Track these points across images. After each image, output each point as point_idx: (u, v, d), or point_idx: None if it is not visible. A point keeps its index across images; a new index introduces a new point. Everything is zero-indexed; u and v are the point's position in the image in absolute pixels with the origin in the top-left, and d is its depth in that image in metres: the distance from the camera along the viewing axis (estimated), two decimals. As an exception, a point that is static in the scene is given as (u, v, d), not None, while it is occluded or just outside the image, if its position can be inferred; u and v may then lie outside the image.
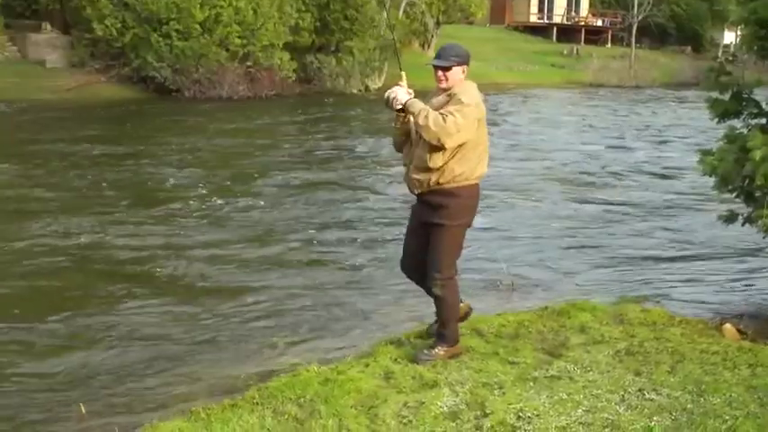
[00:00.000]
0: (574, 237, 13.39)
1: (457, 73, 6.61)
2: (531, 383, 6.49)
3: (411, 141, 6.74)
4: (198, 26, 36.29)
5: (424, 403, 6.10)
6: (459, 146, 6.41)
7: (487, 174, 6.81)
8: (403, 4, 51.63)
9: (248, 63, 38.72)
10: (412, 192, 6.80)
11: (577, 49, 65.94)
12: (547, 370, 6.74)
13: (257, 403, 6.20)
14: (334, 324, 8.91)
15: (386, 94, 6.72)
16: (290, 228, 13.69)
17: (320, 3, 43.00)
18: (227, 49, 37.63)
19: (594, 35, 74.55)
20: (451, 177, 6.52)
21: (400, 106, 6.59)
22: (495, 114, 34.11)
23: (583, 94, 48.03)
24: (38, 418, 6.89)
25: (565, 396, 6.27)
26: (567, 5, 76.27)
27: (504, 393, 6.30)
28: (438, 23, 57.26)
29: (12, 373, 7.81)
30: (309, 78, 41.16)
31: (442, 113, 6.32)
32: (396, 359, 6.85)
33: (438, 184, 6.55)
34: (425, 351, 6.91)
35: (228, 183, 17.58)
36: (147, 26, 36.15)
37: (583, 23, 75.58)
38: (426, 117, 6.33)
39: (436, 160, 6.45)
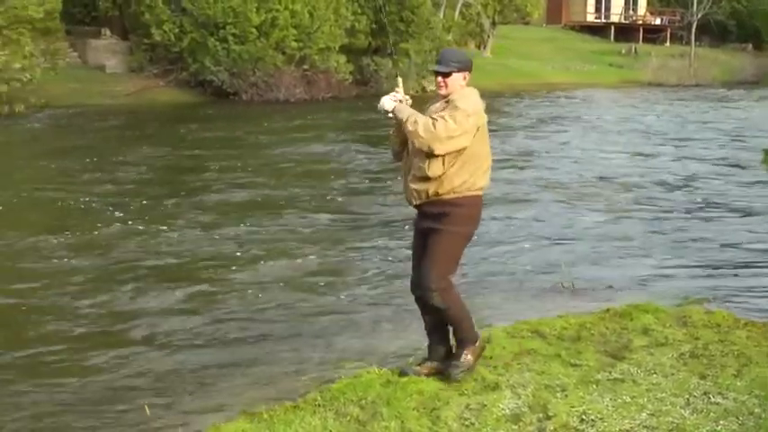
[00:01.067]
0: (635, 238, 13.25)
1: (457, 79, 6.33)
2: (594, 386, 6.40)
3: (408, 150, 6.40)
4: (254, 30, 36.51)
5: (485, 405, 6.05)
6: (458, 154, 6.12)
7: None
8: (459, 5, 51.60)
9: (305, 66, 38.88)
10: (410, 203, 6.44)
11: (635, 48, 65.37)
12: (610, 372, 6.65)
13: (319, 405, 6.19)
14: (395, 325, 8.89)
15: (379, 103, 6.42)
16: (354, 231, 13.71)
17: (376, 5, 43.04)
18: (284, 53, 37.82)
19: (653, 34, 73.83)
20: (450, 188, 6.19)
21: (390, 115, 6.32)
22: (553, 115, 33.95)
23: (641, 94, 47.46)
24: (104, 417, 6.96)
25: (628, 399, 6.18)
26: (625, 4, 75.67)
27: (566, 396, 6.23)
28: (494, 24, 57.16)
29: (80, 370, 7.94)
30: (366, 80, 41.23)
31: (432, 118, 6.08)
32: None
33: (437, 194, 6.23)
34: (454, 363, 6.51)
35: (302, 187, 17.64)
36: (204, 31, 36.45)
37: (641, 22, 74.92)
38: (415, 122, 6.09)
39: (435, 169, 6.14)
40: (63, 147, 23.45)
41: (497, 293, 10.24)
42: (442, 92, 6.34)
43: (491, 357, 6.95)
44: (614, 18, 74.69)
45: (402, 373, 6.62)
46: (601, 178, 18.92)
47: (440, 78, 6.33)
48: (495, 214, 14.72)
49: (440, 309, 6.36)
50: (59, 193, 16.46)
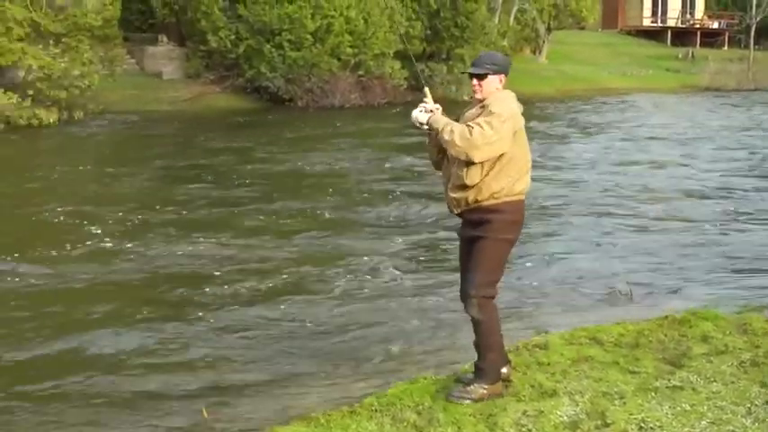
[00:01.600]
0: (693, 245, 13.12)
1: (492, 82, 6.21)
2: (653, 394, 6.34)
3: (448, 158, 6.29)
4: (310, 36, 36.62)
5: (543, 412, 6.02)
6: (496, 160, 6.02)
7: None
8: (514, 11, 51.41)
9: (360, 72, 38.96)
10: (452, 211, 6.36)
11: (693, 53, 64.64)
12: (669, 380, 6.58)
13: (376, 410, 6.19)
14: (450, 332, 8.88)
15: (412, 115, 6.32)
16: (405, 237, 13.72)
17: (430, 11, 43.04)
18: (339, 59, 37.92)
19: (710, 38, 72.98)
20: (490, 194, 6.09)
21: (426, 127, 6.23)
22: (609, 120, 33.74)
23: (699, 99, 46.92)
24: (162, 419, 7.05)
25: (688, 407, 6.12)
26: (682, 8, 74.85)
27: (624, 403, 6.18)
28: (549, 29, 56.87)
29: (142, 370, 8.06)
30: (420, 86, 41.06)
31: (468, 125, 5.96)
32: (514, 367, 6.75)
33: (476, 201, 6.13)
34: (460, 388, 6.35)
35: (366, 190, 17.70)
36: (260, 37, 36.64)
37: (698, 26, 74.10)
38: (451, 131, 5.98)
39: (473, 177, 6.05)
40: (114, 154, 23.77)
41: (554, 300, 10.20)
42: (478, 95, 6.25)
43: (548, 364, 6.92)
44: (671, 22, 73.93)
45: (458, 380, 6.59)
46: (657, 186, 18.72)
47: (474, 81, 6.24)
48: (550, 221, 14.67)
49: (474, 319, 6.26)
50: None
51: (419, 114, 6.25)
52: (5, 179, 18.96)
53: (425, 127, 6.24)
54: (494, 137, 5.91)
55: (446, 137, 6.01)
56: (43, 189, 17.78)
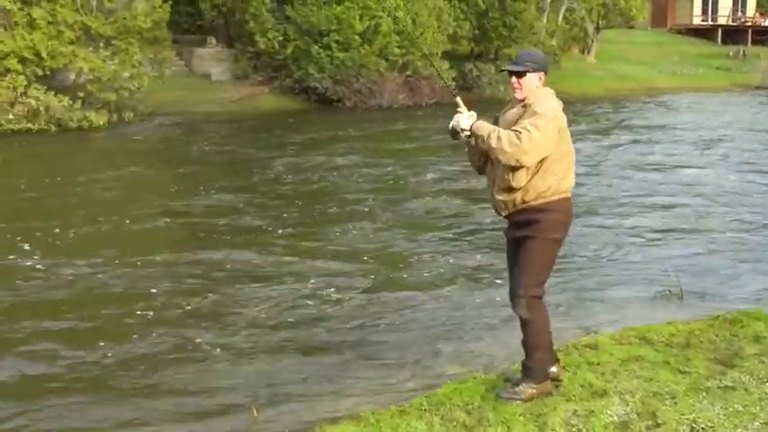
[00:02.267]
0: (745, 244, 12.99)
1: (532, 80, 6.15)
2: (704, 394, 6.27)
3: (491, 161, 6.25)
4: (357, 37, 36.67)
5: (593, 412, 5.98)
6: (543, 160, 5.97)
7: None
8: (562, 10, 51.14)
9: (407, 72, 38.93)
10: (499, 213, 6.33)
11: (744, 51, 63.85)
12: (720, 380, 6.51)
13: (425, 410, 6.19)
14: (499, 332, 8.84)
15: (450, 125, 6.25)
16: (456, 237, 13.69)
17: (479, 11, 42.95)
18: (387, 59, 37.92)
19: (762, 35, 72.07)
20: (537, 194, 6.05)
21: (468, 134, 6.14)
22: (661, 120, 33.48)
23: (751, 98, 46.33)
24: (213, 417, 7.07)
25: (740, 408, 6.04)
26: (733, 6, 74.10)
27: (675, 404, 6.12)
28: (598, 29, 56.52)
29: (194, 368, 8.14)
30: (469, 86, 41.05)
31: (515, 130, 5.88)
32: (564, 367, 6.70)
33: (524, 202, 6.10)
34: (509, 389, 6.36)
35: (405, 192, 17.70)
36: (308, 38, 36.75)
37: (750, 24, 73.27)
38: (499, 139, 5.90)
39: (519, 179, 6.02)
40: (158, 155, 23.94)
41: (604, 300, 10.12)
42: (518, 95, 6.19)
43: (598, 363, 6.88)
44: (722, 20, 73.19)
45: (507, 379, 6.56)
46: (708, 187, 18.50)
47: (514, 79, 6.18)
48: (599, 221, 14.57)
49: (522, 319, 6.23)
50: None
51: (462, 120, 6.17)
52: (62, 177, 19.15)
53: (466, 134, 6.17)
54: (542, 139, 5.87)
55: (494, 144, 5.93)
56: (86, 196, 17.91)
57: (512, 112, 6.21)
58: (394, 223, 14.62)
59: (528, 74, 6.14)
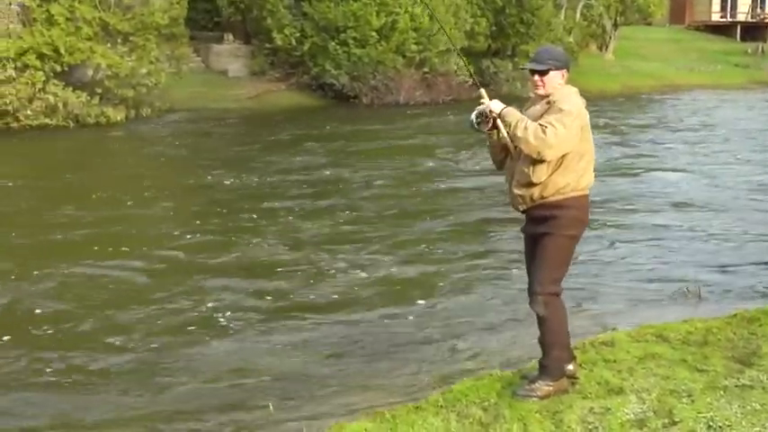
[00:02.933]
0: (764, 242, 12.91)
1: (555, 78, 6.11)
2: (722, 392, 6.23)
3: (511, 155, 6.23)
4: (375, 33, 36.67)
5: (609, 410, 5.95)
6: (562, 156, 5.94)
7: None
8: (580, 7, 51.02)
9: (424, 69, 38.91)
10: (516, 209, 6.30)
11: (762, 48, 63.50)
12: (738, 379, 6.46)
13: (441, 406, 6.18)
14: (516, 328, 8.84)
15: (473, 115, 6.18)
16: (471, 234, 13.69)
17: (496, 7, 42.87)
18: (404, 56, 37.91)
19: (781, 32, 71.79)
20: (556, 190, 6.03)
21: (489, 125, 6.11)
22: (680, 117, 33.39)
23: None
24: (230, 414, 7.12)
25: (758, 407, 6.00)
26: (752, 2, 73.69)
27: (692, 402, 6.08)
28: (616, 25, 56.34)
29: (208, 367, 8.16)
30: (486, 83, 40.90)
31: (541, 124, 5.86)
32: (581, 364, 6.68)
33: (542, 197, 6.07)
34: (525, 386, 6.33)
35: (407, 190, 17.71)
36: (325, 35, 36.77)
37: (768, 20, 72.95)
38: (526, 129, 5.88)
39: (539, 174, 5.99)
40: (172, 152, 24.03)
41: (621, 298, 10.12)
42: (540, 91, 6.15)
43: (615, 361, 6.86)
44: (740, 17, 72.86)
45: (524, 377, 6.55)
46: (734, 182, 18.43)
47: (536, 77, 6.13)
48: (617, 218, 14.54)
49: (539, 316, 6.20)
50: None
51: (493, 104, 6.11)
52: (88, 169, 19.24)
53: (489, 126, 6.12)
54: (566, 135, 5.86)
55: (519, 133, 5.92)
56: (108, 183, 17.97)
57: (535, 109, 6.17)
58: (408, 216, 14.64)
59: (551, 72, 6.10)
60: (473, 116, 6.22)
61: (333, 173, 19.69)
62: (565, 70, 6.18)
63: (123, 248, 12.56)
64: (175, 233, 13.63)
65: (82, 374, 8.09)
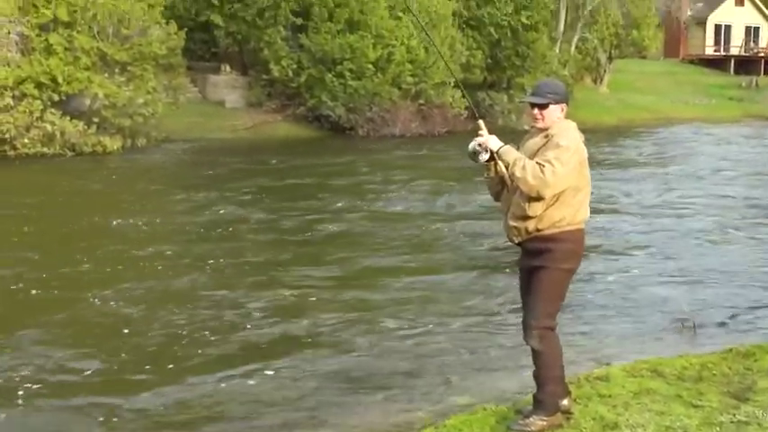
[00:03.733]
0: (759, 278, 12.95)
1: (554, 111, 6.13)
2: (717, 428, 6.26)
3: (507, 188, 6.24)
4: (371, 66, 36.86)
5: (604, 446, 5.98)
6: (560, 191, 5.99)
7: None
8: (575, 40, 51.32)
9: (420, 101, 39.08)
10: (511, 241, 6.30)
11: (756, 81, 63.82)
12: (734, 415, 6.49)
13: (435, 441, 6.20)
14: (511, 363, 8.85)
15: (470, 146, 6.22)
16: (465, 269, 13.72)
17: (491, 40, 43.09)
18: (400, 88, 38.11)
19: (775, 66, 72.12)
20: (551, 223, 6.05)
21: (487, 156, 6.14)
22: (674, 150, 33.51)
23: (764, 129, 46.24)
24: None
25: (753, 443, 6.04)
26: (746, 36, 74.22)
27: (688, 438, 6.11)
28: (610, 58, 56.63)
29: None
30: (481, 115, 40.52)
31: (539, 163, 5.88)
32: (575, 399, 6.71)
33: (537, 230, 6.09)
34: (519, 421, 6.32)
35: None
36: (321, 66, 36.96)
37: (762, 54, 73.28)
38: (524, 168, 5.91)
39: (535, 208, 6.01)
40: (172, 181, 24.06)
41: (615, 332, 10.13)
42: (539, 125, 6.18)
43: (610, 396, 6.88)
44: (734, 50, 73.27)
45: (518, 411, 6.57)
46: (722, 219, 18.46)
47: (536, 110, 6.15)
48: (611, 251, 14.59)
49: (534, 350, 6.21)
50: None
51: (491, 141, 6.15)
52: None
53: (486, 157, 6.16)
54: (564, 173, 5.90)
55: (518, 174, 5.95)
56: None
57: (533, 141, 6.21)
58: (411, 248, 14.69)
59: (550, 105, 6.14)
60: (470, 147, 6.25)
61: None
62: (564, 104, 6.22)
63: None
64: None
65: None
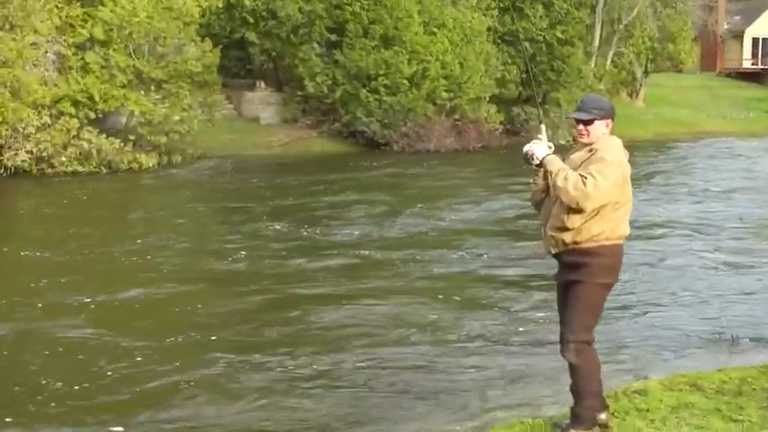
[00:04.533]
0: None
1: (600, 127, 6.14)
2: (757, 443, 6.17)
3: (549, 197, 6.25)
4: (406, 81, 36.86)
5: (643, 460, 5.90)
6: (601, 206, 5.96)
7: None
8: (610, 54, 51.13)
9: (455, 116, 39.04)
10: (548, 251, 6.28)
11: (795, 94, 63.23)
12: (774, 429, 6.40)
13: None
14: (549, 376, 8.79)
15: (524, 149, 6.29)
16: (500, 282, 13.67)
17: (526, 55, 42.96)
18: (435, 103, 38.09)
19: (812, 79, 71.44)
20: (589, 237, 6.01)
21: (537, 162, 6.19)
22: (713, 164, 33.26)
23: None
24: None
25: (794, 457, 5.94)
26: (783, 49, 73.62)
27: (727, 452, 6.02)
28: (646, 72, 56.35)
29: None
30: (516, 130, 41.03)
31: (581, 175, 5.89)
32: (613, 413, 6.63)
33: (575, 243, 6.06)
34: None
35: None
36: (356, 82, 37.01)
37: (800, 67, 72.64)
38: (566, 179, 5.91)
39: (574, 221, 6.00)
40: (207, 198, 24.17)
41: (654, 346, 10.06)
42: (584, 140, 6.19)
43: (648, 410, 6.80)
44: (772, 64, 72.77)
45: (555, 425, 6.51)
46: (761, 231, 18.30)
47: (581, 126, 6.18)
48: (650, 265, 14.47)
49: (571, 364, 6.18)
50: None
51: (537, 148, 6.21)
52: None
53: (536, 162, 6.20)
54: (606, 187, 5.88)
55: (560, 183, 5.95)
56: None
57: (578, 155, 6.21)
58: (441, 269, 14.64)
59: (596, 121, 6.14)
60: (524, 150, 6.31)
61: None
62: (609, 120, 6.20)
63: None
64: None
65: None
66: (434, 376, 9.13)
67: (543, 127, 6.42)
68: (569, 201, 5.92)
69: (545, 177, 6.24)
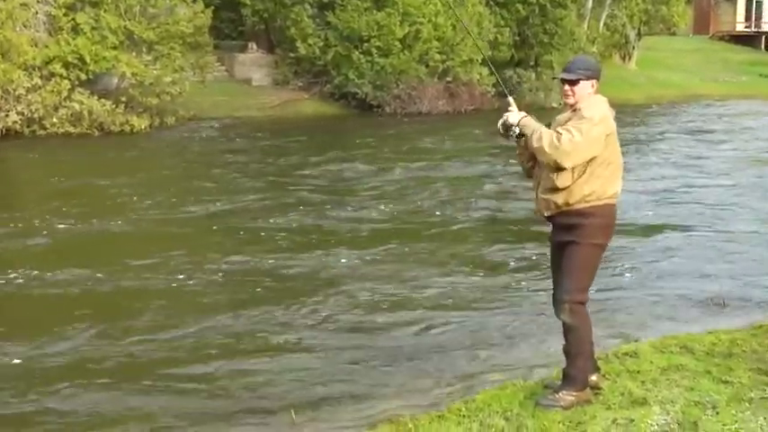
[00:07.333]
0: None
1: (585, 87, 6.17)
2: (747, 404, 6.22)
3: (539, 164, 6.27)
4: (398, 43, 36.69)
5: (633, 421, 5.95)
6: (588, 163, 5.98)
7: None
8: (603, 17, 50.92)
9: (447, 78, 38.93)
10: (542, 215, 6.32)
11: (788, 57, 63.14)
12: (764, 391, 6.45)
13: (464, 416, 6.19)
14: (539, 338, 8.83)
15: (498, 123, 6.34)
16: (495, 243, 13.68)
17: (519, 17, 42.78)
18: (427, 65, 37.94)
19: (806, 43, 71.31)
20: (581, 197, 6.05)
21: (517, 131, 6.20)
22: (708, 126, 33.24)
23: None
24: (252, 420, 7.12)
25: (783, 419, 5.98)
26: (777, 12, 73.39)
27: (717, 413, 6.07)
28: (639, 35, 56.17)
29: (232, 373, 8.16)
30: (509, 92, 40.74)
31: (557, 131, 5.94)
32: (604, 375, 6.68)
33: (567, 204, 6.09)
34: (549, 396, 6.33)
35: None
36: (348, 44, 36.81)
37: (794, 31, 72.49)
38: (540, 138, 5.95)
39: (564, 180, 6.02)
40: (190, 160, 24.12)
41: (644, 308, 10.08)
42: (569, 101, 6.22)
43: (638, 372, 6.86)
44: (765, 27, 72.49)
45: (547, 386, 6.55)
46: (754, 196, 18.31)
47: (566, 87, 6.21)
48: (640, 227, 14.49)
49: (565, 324, 6.21)
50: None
51: (511, 116, 6.24)
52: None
53: (516, 129, 6.22)
54: (582, 143, 5.88)
55: (535, 143, 6.00)
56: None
57: (563, 116, 6.25)
58: (432, 224, 14.64)
59: (581, 81, 6.17)
60: (498, 125, 6.33)
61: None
62: (595, 80, 6.23)
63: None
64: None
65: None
66: (424, 339, 9.14)
67: (511, 99, 6.44)
68: (546, 159, 5.97)
69: (528, 146, 6.24)
